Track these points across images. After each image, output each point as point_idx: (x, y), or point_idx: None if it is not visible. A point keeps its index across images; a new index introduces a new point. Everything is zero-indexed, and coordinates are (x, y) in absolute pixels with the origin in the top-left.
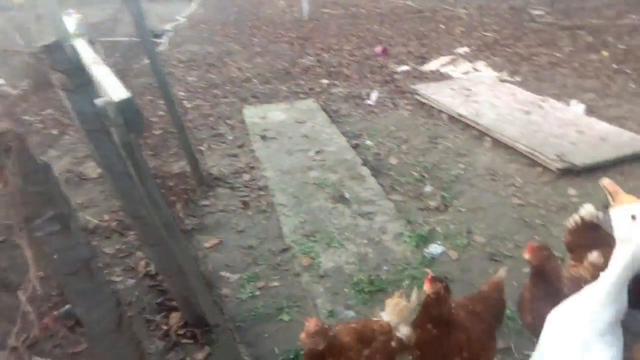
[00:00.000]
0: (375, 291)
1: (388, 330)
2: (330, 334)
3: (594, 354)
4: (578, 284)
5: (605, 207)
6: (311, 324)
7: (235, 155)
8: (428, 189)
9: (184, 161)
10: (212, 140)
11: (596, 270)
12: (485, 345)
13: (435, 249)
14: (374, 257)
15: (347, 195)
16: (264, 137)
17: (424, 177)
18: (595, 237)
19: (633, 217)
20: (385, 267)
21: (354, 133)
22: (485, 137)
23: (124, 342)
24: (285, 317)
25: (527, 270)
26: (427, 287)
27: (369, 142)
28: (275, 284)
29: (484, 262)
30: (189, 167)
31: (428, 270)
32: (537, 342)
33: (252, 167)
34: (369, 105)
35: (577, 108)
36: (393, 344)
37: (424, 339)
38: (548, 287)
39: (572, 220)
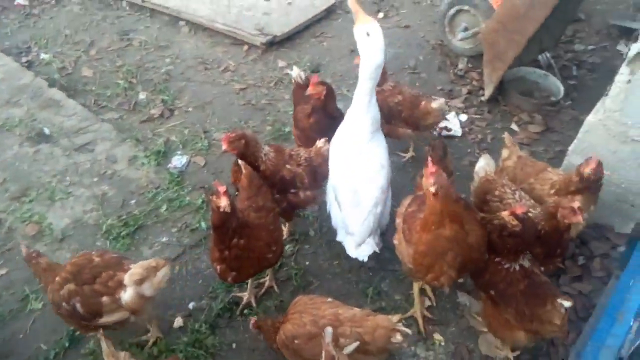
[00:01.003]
0: (134, 231)
1: (113, 286)
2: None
3: (368, 153)
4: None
5: (313, 71)
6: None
7: None
8: (142, 96)
9: None
10: None
11: (319, 157)
12: (279, 227)
13: (178, 160)
14: (115, 194)
15: (46, 130)
16: None
17: (132, 83)
18: (303, 95)
19: (368, 34)
20: (133, 201)
21: (19, 47)
22: (180, 22)
23: None
24: (37, 305)
25: None
26: (224, 201)
27: (45, 56)
28: (2, 272)
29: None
30: None
31: (216, 182)
32: None
33: None
34: (21, 5)
35: None
36: (105, 299)
37: (235, 255)
38: (250, 165)
39: (293, 82)
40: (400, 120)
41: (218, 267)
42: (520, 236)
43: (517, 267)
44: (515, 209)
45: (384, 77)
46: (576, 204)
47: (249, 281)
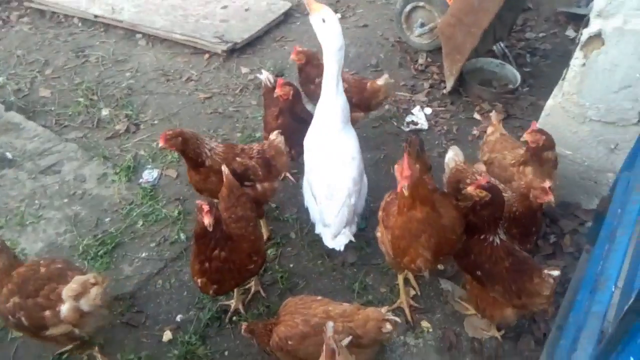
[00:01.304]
0: (112, 249)
1: (55, 299)
2: None
3: (341, 143)
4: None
5: (277, 75)
6: None
7: None
8: (105, 112)
9: None
10: None
11: (272, 149)
12: (260, 236)
13: (149, 174)
14: (88, 214)
15: (9, 155)
16: None
17: (93, 100)
18: (273, 97)
19: (323, 20)
20: (107, 219)
21: None
22: (137, 35)
23: None
24: (18, 332)
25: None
26: (207, 220)
27: None
28: None
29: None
30: None
31: (199, 202)
32: None
33: None
34: None
35: None
36: (47, 313)
37: (216, 268)
38: (194, 162)
39: (263, 86)
40: (352, 106)
41: (199, 280)
42: (492, 204)
43: (499, 241)
44: (479, 182)
45: (315, 69)
46: (547, 184)
47: (235, 289)
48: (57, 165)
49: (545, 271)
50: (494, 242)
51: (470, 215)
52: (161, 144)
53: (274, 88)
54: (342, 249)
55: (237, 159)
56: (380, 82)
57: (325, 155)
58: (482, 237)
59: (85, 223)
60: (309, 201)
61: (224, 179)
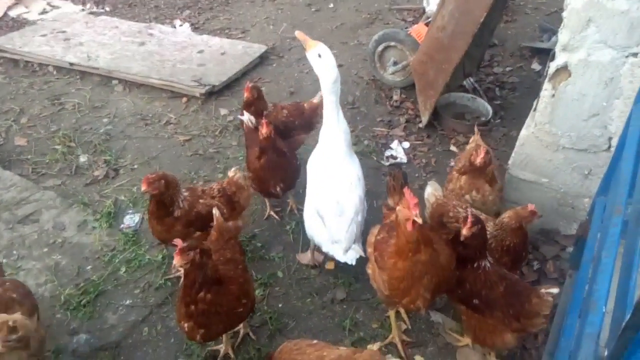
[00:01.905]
0: (95, 298)
1: None
2: None
3: (347, 165)
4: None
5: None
6: None
7: None
8: (83, 159)
9: None
10: None
11: (232, 185)
12: (249, 279)
13: (131, 219)
14: (69, 262)
15: None
16: None
17: (70, 147)
18: (256, 137)
19: (319, 56)
20: (88, 267)
21: None
22: (113, 81)
23: None
24: None
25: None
26: (177, 260)
27: None
28: None
29: None
30: None
31: (178, 241)
32: None
33: None
34: None
35: (183, 28)
36: None
37: (202, 310)
38: (166, 209)
39: (245, 127)
40: (296, 129)
41: (185, 325)
42: (480, 233)
43: (489, 265)
44: (469, 221)
45: (264, 103)
46: (531, 206)
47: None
48: (35, 214)
49: (543, 290)
50: (485, 267)
51: (459, 249)
52: (144, 187)
53: (256, 128)
54: (354, 262)
55: (200, 200)
56: (316, 100)
57: (333, 176)
58: (474, 265)
59: (66, 272)
60: (312, 225)
61: (215, 222)
